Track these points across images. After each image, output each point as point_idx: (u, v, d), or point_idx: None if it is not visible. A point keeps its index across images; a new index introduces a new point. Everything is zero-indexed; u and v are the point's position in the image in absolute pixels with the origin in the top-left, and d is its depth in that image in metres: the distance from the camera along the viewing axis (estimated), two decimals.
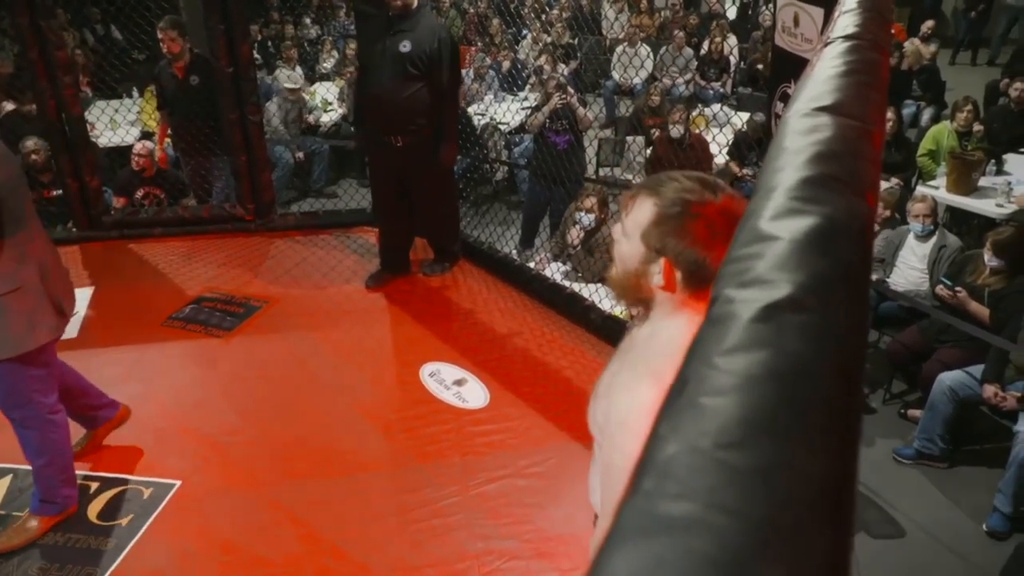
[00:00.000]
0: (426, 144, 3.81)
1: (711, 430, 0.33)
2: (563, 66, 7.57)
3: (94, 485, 2.82)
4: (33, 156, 4.97)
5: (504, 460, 2.94)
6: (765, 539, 0.28)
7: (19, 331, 2.30)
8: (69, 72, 4.41)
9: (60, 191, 4.80)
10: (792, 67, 2.21)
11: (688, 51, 8.39)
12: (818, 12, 2.05)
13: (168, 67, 4.86)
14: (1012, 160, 5.74)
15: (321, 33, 9.36)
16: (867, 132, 0.72)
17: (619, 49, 8.24)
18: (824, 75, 0.90)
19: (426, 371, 3.46)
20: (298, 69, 7.68)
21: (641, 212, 1.23)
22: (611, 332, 3.60)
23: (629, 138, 6.32)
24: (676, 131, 5.62)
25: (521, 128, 6.43)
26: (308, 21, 9.90)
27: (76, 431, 2.85)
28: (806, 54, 2.13)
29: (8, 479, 2.84)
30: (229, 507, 2.75)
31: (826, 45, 1.10)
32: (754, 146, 5.30)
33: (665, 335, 1.23)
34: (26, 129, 5.39)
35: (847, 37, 1.07)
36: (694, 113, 6.63)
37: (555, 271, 4.29)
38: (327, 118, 7.11)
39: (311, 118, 7.00)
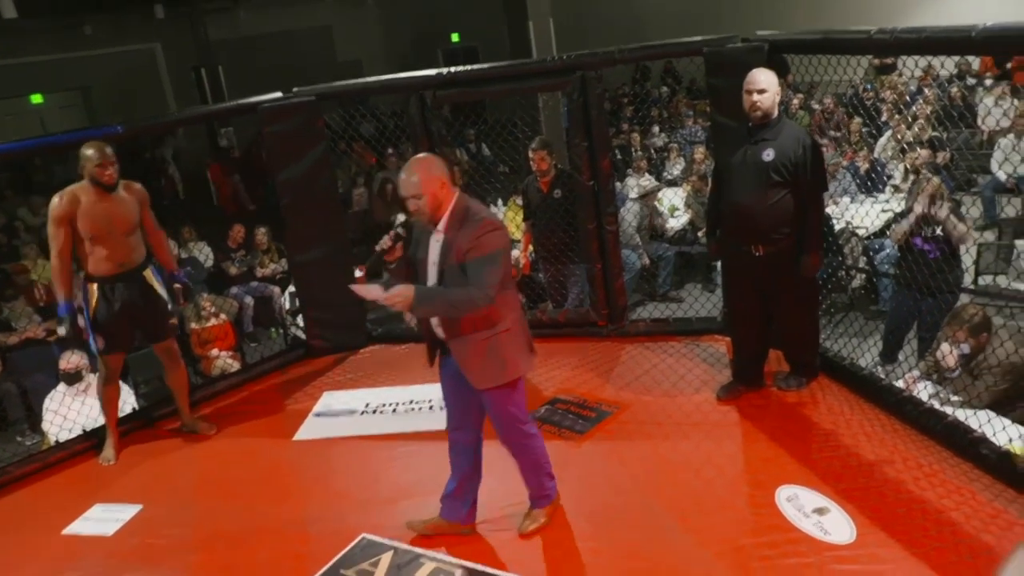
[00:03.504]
0: (787, 253, 3.69)
1: None
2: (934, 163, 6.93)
3: (458, 572, 3.01)
4: None
5: None
6: None
7: (510, 363, 2.90)
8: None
9: None
10: None
11: None
12: None
13: (535, 181, 5.33)
14: None
15: (668, 140, 9.67)
16: None
17: (1003, 141, 7.34)
18: None
19: (782, 494, 3.22)
20: (647, 176, 7.97)
21: None
22: (1008, 472, 3.07)
23: (1019, 242, 5.52)
24: None
25: (882, 232, 5.96)
26: (656, 130, 10.31)
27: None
28: None
29: (390, 555, 3.15)
30: None
31: None
32: None
33: None
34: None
35: None
36: None
37: (926, 393, 3.82)
38: (674, 223, 7.25)
39: (658, 223, 7.18)
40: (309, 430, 4.32)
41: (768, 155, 3.61)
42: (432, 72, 4.95)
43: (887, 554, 2.83)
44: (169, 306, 4.24)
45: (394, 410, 4.39)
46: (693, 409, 3.98)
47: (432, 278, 2.85)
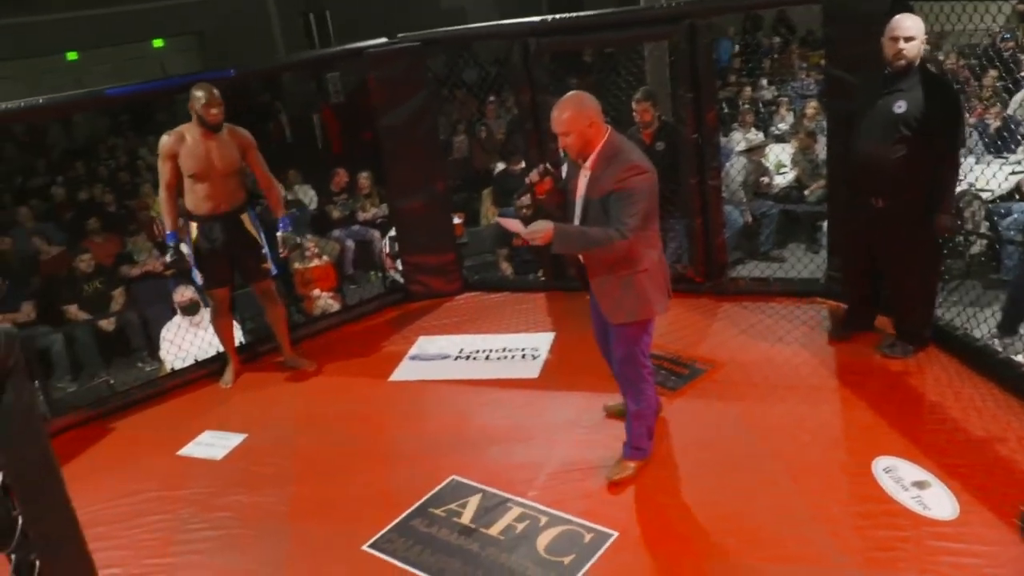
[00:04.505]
0: (908, 210, 3.56)
1: None
2: None
3: (543, 519, 3.06)
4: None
5: None
6: None
7: (643, 301, 2.97)
8: (555, 139, 4.99)
9: None
10: None
11: None
12: None
13: (637, 133, 5.21)
14: None
15: (778, 94, 9.26)
16: None
17: None
18: None
19: (880, 465, 3.12)
20: (754, 131, 7.68)
21: None
22: None
23: None
24: None
25: (1010, 196, 5.58)
26: (764, 82, 9.88)
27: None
28: None
29: (478, 497, 3.23)
30: (661, 565, 2.78)
31: None
32: None
33: None
34: (513, 184, 6.23)
35: None
36: None
37: None
38: (780, 180, 6.98)
39: (764, 180, 6.93)
40: (404, 372, 4.44)
41: (900, 107, 3.47)
42: (536, 19, 4.87)
43: (992, 535, 2.71)
44: (265, 251, 4.38)
45: (487, 357, 4.46)
46: (790, 371, 3.88)
47: (578, 210, 2.97)
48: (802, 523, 2.88)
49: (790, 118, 8.28)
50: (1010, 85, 6.97)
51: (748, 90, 9.23)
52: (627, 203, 2.79)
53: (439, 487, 3.31)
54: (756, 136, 7.50)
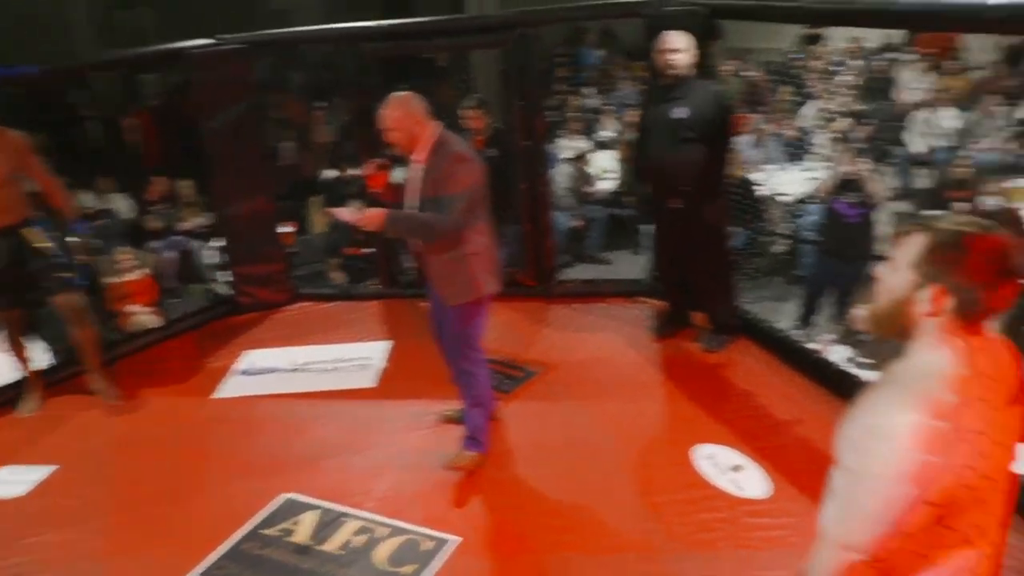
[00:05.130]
0: (700, 210, 3.85)
1: None
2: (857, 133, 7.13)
3: (383, 531, 3.01)
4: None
5: (783, 559, 2.70)
6: None
7: (475, 281, 3.08)
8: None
9: (372, 249, 5.36)
10: None
11: (1002, 114, 7.51)
12: None
13: (470, 140, 5.26)
14: None
15: (603, 103, 9.66)
16: None
17: (918, 115, 7.59)
18: None
19: (701, 453, 3.33)
20: (579, 138, 7.97)
21: (913, 244, 1.28)
22: None
23: (929, 213, 5.76)
24: (992, 203, 5.01)
25: (807, 199, 6.14)
26: (588, 91, 10.26)
27: None
28: None
29: (315, 513, 3.13)
30: (502, 570, 2.82)
31: None
32: None
33: (926, 363, 1.27)
34: (344, 191, 6.12)
35: None
36: (1011, 185, 5.91)
37: (839, 356, 3.98)
38: (605, 185, 7.29)
39: (590, 186, 7.21)
40: (231, 388, 4.23)
41: (681, 112, 3.75)
42: (368, 24, 4.81)
43: (798, 508, 2.95)
44: (63, 260, 3.96)
45: (320, 368, 4.34)
46: (618, 370, 4.06)
47: (414, 204, 3.06)
48: (632, 513, 3.03)
49: (614, 125, 8.66)
50: (800, 100, 7.67)
51: (572, 99, 9.57)
52: (455, 193, 2.94)
53: (271, 506, 3.18)
54: (581, 143, 7.80)
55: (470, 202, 2.99)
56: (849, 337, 4.13)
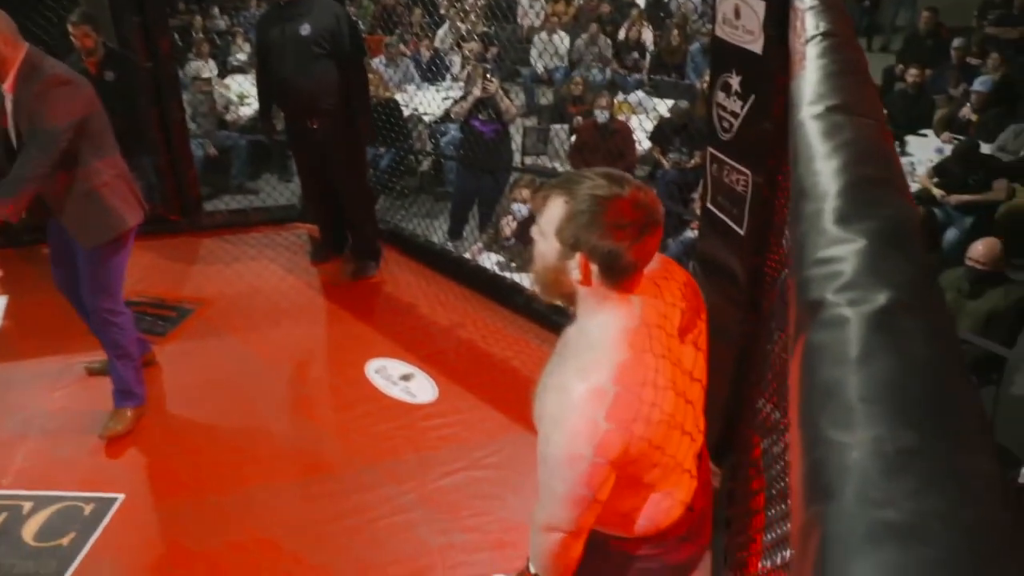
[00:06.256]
0: (340, 123, 3.83)
1: (887, 436, 0.34)
2: (487, 54, 7.55)
3: (27, 505, 2.68)
4: None
5: (459, 453, 2.94)
6: (985, 541, 0.30)
7: (113, 215, 2.77)
8: None
9: None
10: (734, 58, 2.27)
11: (604, 39, 8.49)
12: (760, 5, 2.11)
13: (80, 62, 4.59)
14: (912, 142, 6.07)
15: (231, 24, 9.04)
16: (883, 129, 0.76)
17: (536, 38, 8.27)
18: (821, 74, 0.94)
19: (372, 367, 3.42)
20: (210, 62, 7.42)
21: (554, 210, 1.26)
22: (555, 321, 3.63)
23: (553, 126, 6.36)
24: (602, 116, 5.67)
25: (446, 118, 6.39)
26: (216, 11, 9.54)
27: None
28: (748, 45, 2.19)
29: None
30: (178, 519, 2.67)
31: (806, 43, 1.14)
32: (679, 132, 5.43)
33: (591, 330, 1.29)
34: None
35: (825, 35, 1.11)
36: (617, 100, 6.72)
37: (490, 262, 4.30)
38: (245, 111, 6.89)
39: (228, 113, 6.77)
40: None
41: (305, 29, 3.68)
42: None
43: (466, 404, 3.21)
44: None
45: None
46: (279, 298, 3.97)
47: (13, 141, 2.66)
48: (311, 435, 3.05)
49: (247, 48, 8.17)
50: (433, 23, 7.91)
51: (199, 19, 8.83)
52: (53, 123, 2.57)
53: None
54: (209, 66, 7.26)
55: (83, 130, 2.64)
56: (496, 244, 4.46)
